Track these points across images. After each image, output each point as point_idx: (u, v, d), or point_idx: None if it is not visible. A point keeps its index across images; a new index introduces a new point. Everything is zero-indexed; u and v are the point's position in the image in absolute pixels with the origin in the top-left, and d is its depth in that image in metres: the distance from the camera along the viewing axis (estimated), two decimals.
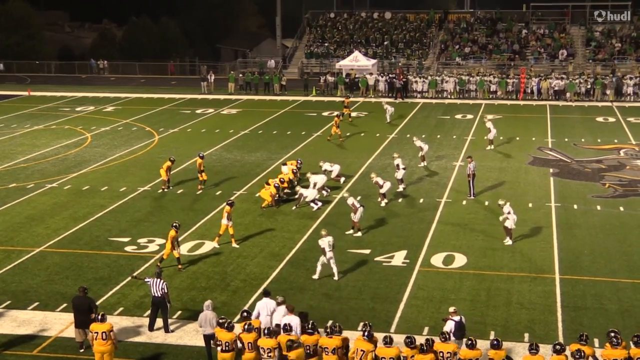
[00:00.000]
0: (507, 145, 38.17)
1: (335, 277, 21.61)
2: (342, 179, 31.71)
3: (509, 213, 24.32)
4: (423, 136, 39.45)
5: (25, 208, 28.94)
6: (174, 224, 22.69)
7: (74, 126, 44.92)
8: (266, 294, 18.03)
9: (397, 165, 30.19)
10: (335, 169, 31.59)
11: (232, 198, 27.70)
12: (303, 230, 26.07)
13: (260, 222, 27.06)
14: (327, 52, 67.11)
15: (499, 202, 25.05)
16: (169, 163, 30.93)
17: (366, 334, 15.70)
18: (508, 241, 24.45)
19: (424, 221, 26.91)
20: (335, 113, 44.38)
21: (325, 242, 21.45)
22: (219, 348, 16.20)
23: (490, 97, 52.68)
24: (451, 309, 17.17)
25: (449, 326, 16.70)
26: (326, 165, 31.45)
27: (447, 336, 15.56)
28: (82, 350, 17.78)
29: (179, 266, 22.60)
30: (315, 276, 21.76)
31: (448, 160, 35.57)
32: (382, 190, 28.51)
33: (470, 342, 15.37)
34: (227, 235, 24.42)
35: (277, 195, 28.74)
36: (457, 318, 16.82)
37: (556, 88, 51.84)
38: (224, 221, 24.36)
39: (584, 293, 20.78)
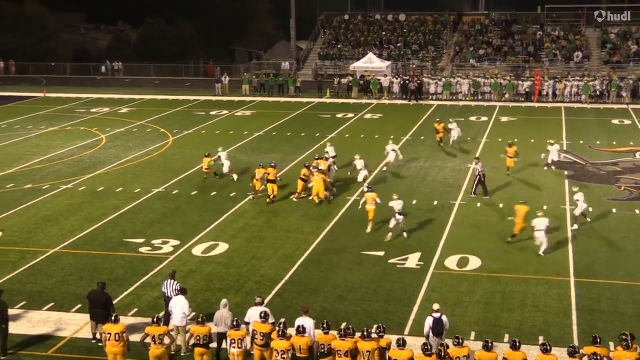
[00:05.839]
0: (522, 148, 37.94)
1: (405, 235, 24.97)
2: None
3: (578, 200, 25.78)
4: (462, 119, 39.33)
5: (40, 209, 29.09)
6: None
7: (89, 127, 45.11)
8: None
9: (356, 165, 31.28)
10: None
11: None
12: (317, 231, 26.05)
13: (274, 223, 27.07)
14: (341, 54, 67.10)
15: (573, 189, 26.83)
16: (272, 169, 29.09)
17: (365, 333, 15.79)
18: (575, 226, 25.89)
19: (437, 223, 26.85)
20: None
21: (395, 204, 24.87)
22: (191, 342, 16.73)
23: (504, 100, 52.47)
24: (434, 306, 17.26)
25: (428, 322, 16.92)
26: (330, 149, 32.86)
27: (460, 340, 15.49)
28: (94, 341, 18.18)
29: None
30: (387, 238, 24.73)
31: (462, 162, 35.46)
32: (359, 178, 30.30)
33: (486, 344, 15.30)
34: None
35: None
36: (437, 315, 16.95)
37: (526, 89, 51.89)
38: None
39: (599, 296, 20.67)
